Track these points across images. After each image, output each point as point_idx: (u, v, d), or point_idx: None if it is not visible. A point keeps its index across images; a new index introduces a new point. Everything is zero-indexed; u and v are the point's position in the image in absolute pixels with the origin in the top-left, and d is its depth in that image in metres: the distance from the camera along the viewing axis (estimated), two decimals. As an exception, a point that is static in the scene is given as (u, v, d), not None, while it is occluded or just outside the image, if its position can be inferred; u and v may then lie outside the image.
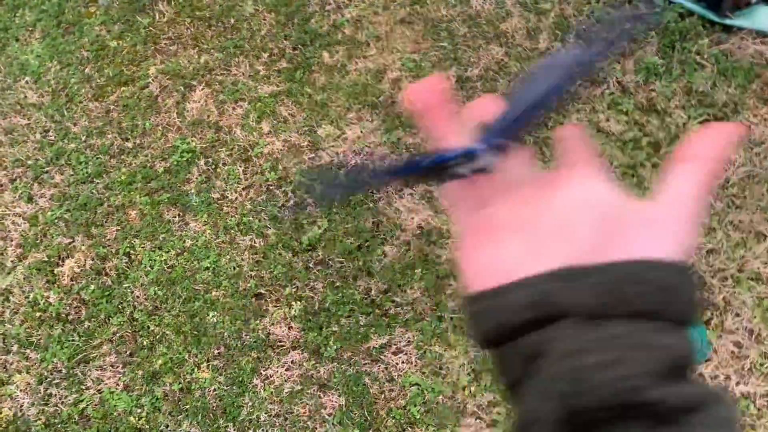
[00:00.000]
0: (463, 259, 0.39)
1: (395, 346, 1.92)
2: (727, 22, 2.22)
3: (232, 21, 2.49)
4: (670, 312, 0.32)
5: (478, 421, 1.82)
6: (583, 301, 0.32)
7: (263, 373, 1.95)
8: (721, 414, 0.31)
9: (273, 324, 2.00)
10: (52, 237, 2.21)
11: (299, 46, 2.41)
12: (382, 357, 1.92)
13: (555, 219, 0.36)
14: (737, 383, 1.78)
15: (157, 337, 2.03)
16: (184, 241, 2.14)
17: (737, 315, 1.86)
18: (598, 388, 0.30)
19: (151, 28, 2.53)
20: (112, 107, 2.40)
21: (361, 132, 2.22)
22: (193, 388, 1.95)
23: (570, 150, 0.39)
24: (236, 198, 2.18)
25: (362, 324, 1.96)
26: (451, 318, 1.93)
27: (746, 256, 1.92)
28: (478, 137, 0.37)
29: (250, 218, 2.14)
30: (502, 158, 0.38)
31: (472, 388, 1.85)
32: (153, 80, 2.42)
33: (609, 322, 0.32)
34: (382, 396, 1.88)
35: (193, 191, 2.21)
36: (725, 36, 2.24)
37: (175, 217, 2.18)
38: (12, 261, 2.20)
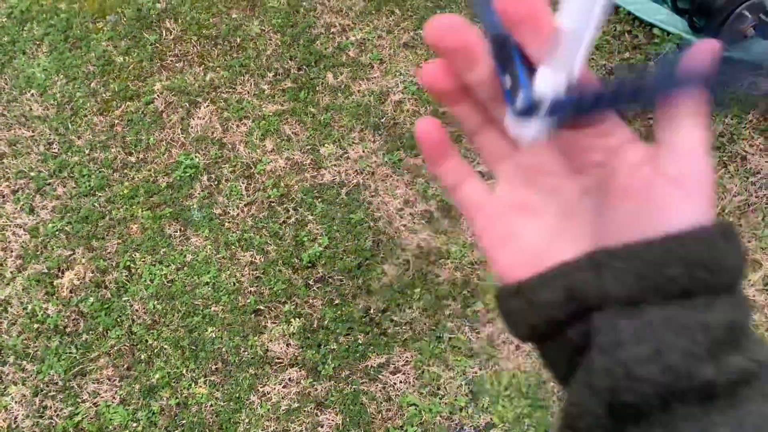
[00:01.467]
0: (487, 245, 0.37)
1: (393, 366, 1.93)
2: (725, 54, 2.27)
3: (239, 40, 2.53)
4: (718, 282, 0.30)
5: (474, 442, 1.82)
6: (619, 290, 0.31)
7: (260, 389, 1.95)
8: None
9: (271, 340, 2.00)
10: (53, 249, 2.22)
11: (304, 67, 2.45)
12: (380, 376, 1.92)
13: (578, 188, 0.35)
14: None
15: (155, 351, 2.03)
16: (185, 256, 2.15)
17: (733, 342, 1.88)
18: (639, 382, 0.29)
19: (157, 45, 2.56)
20: (116, 122, 2.42)
21: (363, 152, 2.25)
22: (190, 403, 1.95)
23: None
24: (238, 214, 2.20)
25: (361, 342, 1.96)
26: (450, 338, 1.94)
27: (742, 284, 1.95)
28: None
29: (251, 234, 2.15)
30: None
31: (470, 410, 1.85)
32: (158, 96, 2.45)
33: (646, 309, 0.30)
34: (380, 415, 1.88)
35: (195, 206, 2.22)
36: (722, 67, 2.28)
37: (177, 232, 2.20)
38: (11, 272, 2.20)
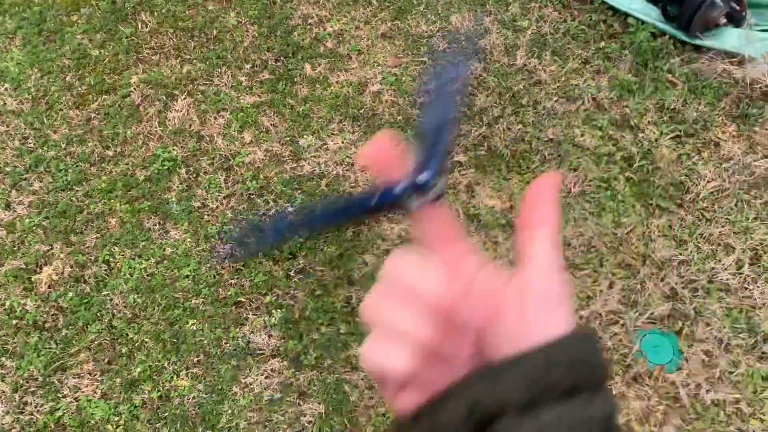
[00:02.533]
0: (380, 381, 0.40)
1: (375, 354, 1.94)
2: (697, 42, 2.31)
3: (215, 32, 2.52)
4: (592, 380, 0.35)
5: (456, 428, 1.84)
6: (514, 397, 0.34)
7: (243, 380, 1.95)
8: None
9: (253, 332, 2.00)
10: (30, 244, 2.20)
11: (282, 58, 2.44)
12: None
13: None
14: (707, 391, 1.83)
15: (136, 344, 2.02)
16: (164, 249, 2.14)
17: (707, 325, 1.92)
18: None
19: (133, 38, 2.54)
20: (93, 115, 2.40)
21: (342, 143, 2.25)
22: (172, 395, 1.95)
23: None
24: (217, 206, 2.19)
25: (342, 332, 1.97)
26: (430, 326, 1.95)
27: (716, 267, 1.99)
28: (418, 168, 0.40)
29: (231, 227, 2.15)
30: (445, 179, 0.41)
31: (451, 396, 1.87)
32: (135, 89, 2.43)
33: (541, 410, 0.34)
34: (362, 403, 1.89)
35: (173, 199, 2.22)
36: (695, 55, 2.32)
37: (156, 225, 2.19)
38: (-12, 268, 2.18)
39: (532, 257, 0.37)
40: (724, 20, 2.29)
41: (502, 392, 0.34)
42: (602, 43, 2.38)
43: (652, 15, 2.38)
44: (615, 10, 2.43)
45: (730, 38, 2.31)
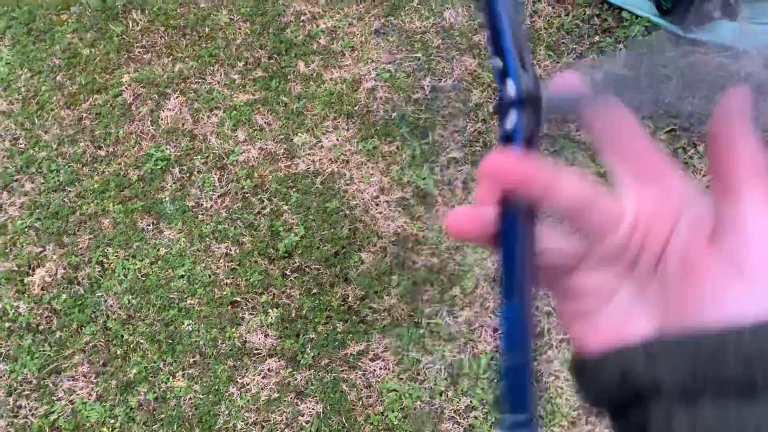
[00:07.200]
0: (563, 318, 0.37)
1: (372, 353, 1.93)
2: (692, 36, 2.30)
3: (207, 30, 2.50)
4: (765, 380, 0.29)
5: (455, 425, 1.83)
6: (672, 381, 0.30)
7: (239, 381, 1.93)
8: None
9: (249, 332, 1.99)
10: (22, 246, 2.17)
11: (275, 56, 2.42)
12: (359, 363, 1.92)
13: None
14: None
15: (131, 346, 2.01)
16: (159, 249, 2.12)
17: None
18: None
19: (124, 37, 2.52)
20: (84, 115, 2.37)
21: (337, 140, 2.24)
22: (168, 397, 1.93)
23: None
24: (211, 206, 2.18)
25: (339, 331, 1.96)
26: (428, 324, 1.94)
27: None
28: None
29: (226, 226, 2.13)
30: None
31: (449, 393, 1.86)
32: (126, 88, 2.40)
33: (702, 404, 0.29)
34: (360, 402, 1.88)
35: (167, 199, 2.20)
36: (690, 50, 2.31)
37: (149, 225, 2.17)
38: (-20, 270, 2.15)
39: (734, 215, 0.30)
40: (718, 14, 2.28)
41: (656, 374, 0.30)
42: (596, 38, 2.37)
43: (646, 9, 2.37)
44: (609, 5, 2.42)
45: (724, 32, 2.30)
